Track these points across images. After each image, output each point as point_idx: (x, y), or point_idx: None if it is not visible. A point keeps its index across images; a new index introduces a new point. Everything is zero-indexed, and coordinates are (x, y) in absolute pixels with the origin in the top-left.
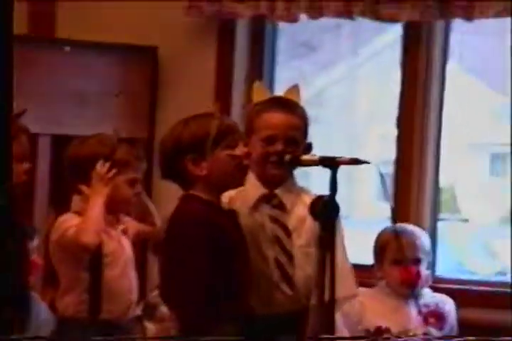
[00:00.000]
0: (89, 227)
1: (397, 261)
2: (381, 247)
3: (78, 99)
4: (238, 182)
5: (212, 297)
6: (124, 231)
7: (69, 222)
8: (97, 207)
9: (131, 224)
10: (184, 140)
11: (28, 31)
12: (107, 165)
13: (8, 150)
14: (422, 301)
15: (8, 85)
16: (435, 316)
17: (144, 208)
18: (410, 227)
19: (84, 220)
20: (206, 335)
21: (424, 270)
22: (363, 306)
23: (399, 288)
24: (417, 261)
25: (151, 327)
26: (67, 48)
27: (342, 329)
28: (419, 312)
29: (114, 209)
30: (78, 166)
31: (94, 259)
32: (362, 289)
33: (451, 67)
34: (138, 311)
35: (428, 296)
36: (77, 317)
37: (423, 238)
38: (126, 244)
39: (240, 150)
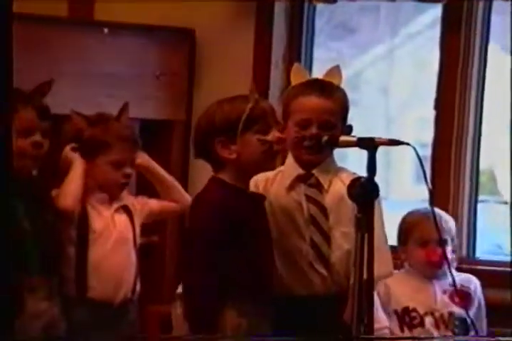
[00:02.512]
0: (66, 192)
1: (422, 242)
2: (407, 229)
3: (115, 81)
4: (267, 167)
5: (221, 279)
6: (126, 210)
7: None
8: (74, 174)
9: (150, 203)
10: (216, 121)
11: (67, 14)
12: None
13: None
14: (446, 281)
15: (8, 79)
16: (460, 295)
17: (165, 186)
18: (436, 210)
19: (62, 186)
20: (212, 316)
21: (449, 251)
22: (388, 288)
23: (423, 268)
24: (442, 242)
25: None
26: (106, 30)
27: (380, 309)
28: (444, 291)
29: (103, 188)
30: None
31: (80, 234)
32: None
33: (490, 47)
34: (134, 294)
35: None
36: (66, 295)
37: (449, 221)
38: (122, 224)
39: (272, 135)
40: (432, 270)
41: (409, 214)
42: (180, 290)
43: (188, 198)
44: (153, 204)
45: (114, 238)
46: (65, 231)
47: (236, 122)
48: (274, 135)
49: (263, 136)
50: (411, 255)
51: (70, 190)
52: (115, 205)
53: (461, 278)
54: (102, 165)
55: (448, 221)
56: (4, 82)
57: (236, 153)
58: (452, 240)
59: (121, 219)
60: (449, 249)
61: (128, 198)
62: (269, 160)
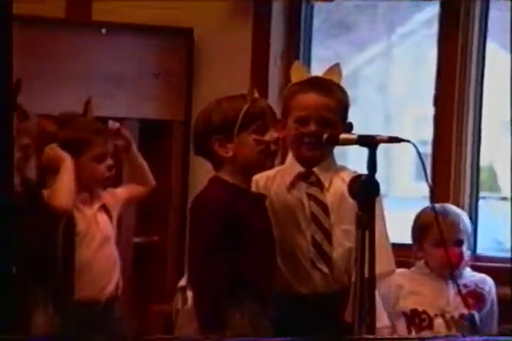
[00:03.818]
0: (61, 190)
1: (439, 243)
2: (423, 227)
3: (114, 81)
4: (264, 166)
5: (224, 278)
6: (105, 209)
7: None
8: (65, 171)
9: (118, 193)
10: (213, 120)
11: (65, 15)
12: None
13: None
14: (461, 281)
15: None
16: (474, 297)
17: (137, 170)
18: (453, 208)
19: (55, 185)
20: (220, 318)
21: (465, 251)
22: (400, 288)
23: (440, 269)
24: (460, 243)
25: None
26: (104, 30)
27: (381, 307)
28: (458, 292)
29: (87, 187)
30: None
31: (66, 237)
32: (399, 270)
33: (488, 44)
34: (118, 290)
35: (467, 276)
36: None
37: (465, 219)
38: (104, 223)
39: (269, 135)
40: (448, 271)
41: (424, 212)
42: (181, 283)
43: (153, 181)
44: (122, 193)
45: (99, 238)
46: (55, 234)
47: (233, 121)
48: (271, 135)
49: (260, 136)
50: (428, 254)
51: (64, 188)
52: (96, 205)
53: (476, 278)
54: (86, 163)
55: (465, 220)
56: (4, 83)
57: (232, 152)
58: (468, 238)
59: (103, 218)
60: (465, 249)
61: (103, 196)
62: (266, 160)
